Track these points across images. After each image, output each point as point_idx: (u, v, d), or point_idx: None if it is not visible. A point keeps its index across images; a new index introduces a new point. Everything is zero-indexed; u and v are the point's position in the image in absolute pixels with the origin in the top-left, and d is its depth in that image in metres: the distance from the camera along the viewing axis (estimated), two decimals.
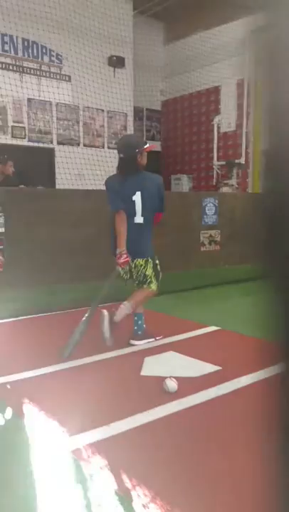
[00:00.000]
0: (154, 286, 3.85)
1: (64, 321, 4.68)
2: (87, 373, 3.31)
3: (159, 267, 3.89)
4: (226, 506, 1.88)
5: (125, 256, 3.67)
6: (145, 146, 3.76)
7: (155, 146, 4.04)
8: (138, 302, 3.83)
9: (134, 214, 3.76)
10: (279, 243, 0.56)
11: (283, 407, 0.62)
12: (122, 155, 3.75)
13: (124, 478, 2.05)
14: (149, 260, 3.82)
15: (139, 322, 3.94)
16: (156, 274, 3.85)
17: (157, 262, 3.89)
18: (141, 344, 3.88)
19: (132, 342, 3.89)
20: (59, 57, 9.82)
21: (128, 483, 2.01)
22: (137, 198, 3.73)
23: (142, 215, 3.76)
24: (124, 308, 3.68)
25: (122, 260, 3.67)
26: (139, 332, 3.95)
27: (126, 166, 3.74)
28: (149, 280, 3.84)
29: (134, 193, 3.72)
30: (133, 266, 3.81)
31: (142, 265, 3.82)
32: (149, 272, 3.82)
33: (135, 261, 3.80)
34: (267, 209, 0.58)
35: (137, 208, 3.74)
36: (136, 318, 3.93)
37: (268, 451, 2.08)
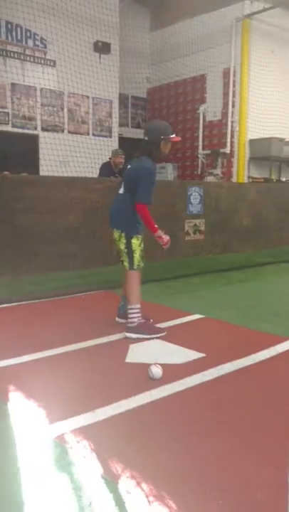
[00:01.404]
0: (126, 264, 3.89)
1: (48, 309, 4.66)
2: (72, 360, 3.31)
3: (136, 251, 3.84)
4: (212, 488, 1.91)
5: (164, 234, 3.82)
6: (171, 136, 3.78)
7: (180, 139, 4.00)
8: (133, 293, 3.86)
9: (121, 185, 3.93)
10: None
11: None
12: (146, 138, 3.81)
13: (110, 462, 2.06)
14: (123, 235, 3.83)
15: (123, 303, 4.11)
16: (128, 253, 3.83)
17: (134, 242, 3.82)
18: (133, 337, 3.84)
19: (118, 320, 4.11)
20: (44, 41, 9.67)
21: (113, 468, 2.02)
22: (127, 171, 3.91)
23: (124, 188, 3.88)
24: (132, 317, 3.83)
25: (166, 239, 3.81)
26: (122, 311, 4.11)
27: (148, 150, 3.78)
28: (122, 257, 3.91)
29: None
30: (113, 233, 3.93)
31: (116, 238, 3.88)
32: (122, 247, 3.85)
33: (113, 230, 3.90)
34: None
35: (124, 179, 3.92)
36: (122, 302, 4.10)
37: (251, 435, 2.12)
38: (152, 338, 3.72)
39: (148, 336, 3.73)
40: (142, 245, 3.90)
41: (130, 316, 3.80)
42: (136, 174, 3.76)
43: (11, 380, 2.93)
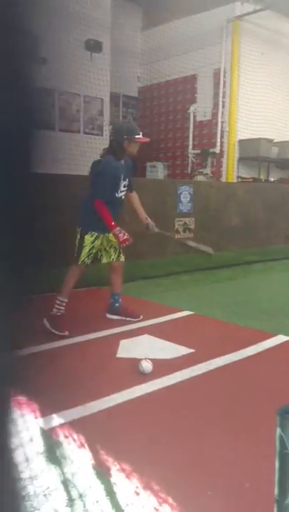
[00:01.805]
0: (110, 257, 4.10)
1: (40, 304, 4.69)
2: (64, 355, 3.37)
3: (86, 248, 3.87)
4: (200, 479, 1.98)
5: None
6: (136, 136, 3.86)
7: (147, 139, 4.08)
8: (65, 286, 3.90)
9: None
10: None
11: None
12: (111, 137, 4.03)
13: (101, 455, 2.12)
14: (78, 231, 3.91)
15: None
16: (78, 248, 3.89)
17: (87, 239, 3.86)
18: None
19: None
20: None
21: (105, 460, 2.08)
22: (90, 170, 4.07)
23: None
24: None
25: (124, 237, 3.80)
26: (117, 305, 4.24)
27: (111, 148, 3.93)
28: (101, 253, 4.07)
29: None
30: None
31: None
32: (76, 242, 3.92)
33: None
34: None
35: None
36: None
37: (238, 427, 2.21)
38: (52, 332, 3.74)
39: (50, 328, 3.77)
40: (97, 244, 3.91)
41: (55, 306, 3.84)
42: (95, 172, 3.91)
43: None
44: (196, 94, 11.72)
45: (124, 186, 3.95)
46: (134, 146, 3.89)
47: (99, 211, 3.78)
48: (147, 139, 4.06)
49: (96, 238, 3.89)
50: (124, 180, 3.93)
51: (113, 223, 3.78)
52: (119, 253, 4.10)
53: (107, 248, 4.06)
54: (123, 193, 3.98)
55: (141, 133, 3.96)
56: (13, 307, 0.63)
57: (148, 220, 4.17)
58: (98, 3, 9.98)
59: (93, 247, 3.90)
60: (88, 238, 3.86)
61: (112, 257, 4.08)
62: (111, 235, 3.92)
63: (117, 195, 3.91)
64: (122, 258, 4.14)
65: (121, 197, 3.96)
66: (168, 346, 3.55)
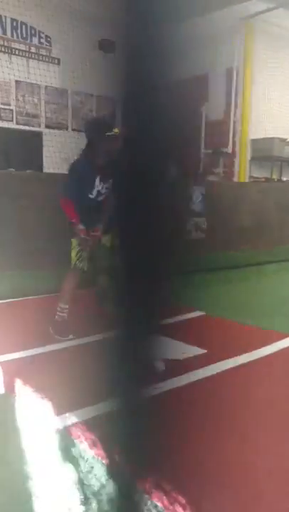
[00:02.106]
0: None
1: (53, 304, 4.72)
2: (77, 355, 3.39)
3: (73, 250, 3.77)
4: (214, 480, 1.98)
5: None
6: (107, 133, 3.56)
7: (121, 139, 3.72)
8: (63, 293, 3.84)
9: None
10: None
11: None
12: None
13: (115, 454, 2.14)
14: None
15: None
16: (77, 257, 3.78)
17: (73, 241, 3.76)
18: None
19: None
20: (48, 39, 9.71)
21: (119, 459, 2.10)
22: None
23: None
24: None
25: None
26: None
27: (86, 149, 3.74)
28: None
29: None
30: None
31: None
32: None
33: None
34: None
35: None
36: None
37: (252, 428, 2.20)
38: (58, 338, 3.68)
39: (54, 335, 3.71)
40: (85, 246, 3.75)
41: (57, 312, 3.77)
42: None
43: (19, 372, 3.01)
44: (208, 93, 11.68)
45: (105, 188, 3.69)
46: (108, 144, 3.54)
47: (62, 208, 3.64)
48: (121, 139, 3.42)
49: (83, 242, 3.74)
50: (105, 182, 3.68)
51: (74, 220, 3.61)
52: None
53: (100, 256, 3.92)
54: (103, 196, 3.73)
55: (116, 129, 3.54)
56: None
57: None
58: (111, 3, 9.99)
59: (81, 249, 3.75)
60: (74, 241, 3.74)
61: (105, 264, 3.94)
62: (104, 239, 3.81)
63: (91, 196, 3.67)
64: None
65: (98, 199, 3.72)
66: (179, 346, 3.55)
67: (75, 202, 3.63)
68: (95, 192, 3.68)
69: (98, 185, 3.68)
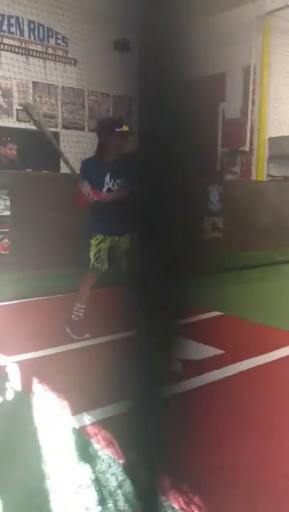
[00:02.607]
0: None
1: (69, 303, 4.74)
2: (94, 354, 3.39)
3: (91, 252, 3.76)
4: (232, 483, 1.96)
5: None
6: (117, 129, 3.62)
7: (133, 134, 3.75)
8: (79, 293, 3.84)
9: None
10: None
11: None
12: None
13: (132, 454, 2.13)
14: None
15: None
16: (87, 254, 3.78)
17: (91, 243, 3.76)
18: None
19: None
20: (65, 40, 9.76)
21: (135, 459, 2.09)
22: None
23: None
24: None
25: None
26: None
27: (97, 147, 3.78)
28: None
29: None
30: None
31: None
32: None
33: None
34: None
35: None
36: None
37: (269, 429, 2.16)
38: (75, 337, 3.68)
39: (71, 334, 3.71)
40: (104, 246, 3.75)
41: (73, 311, 3.78)
42: None
43: (36, 372, 3.02)
44: (226, 92, 11.61)
45: (116, 185, 3.70)
46: (118, 140, 3.61)
47: (77, 199, 3.69)
48: (133, 133, 3.61)
49: (102, 241, 3.75)
50: (116, 179, 3.68)
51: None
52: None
53: (118, 257, 3.93)
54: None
55: (125, 125, 3.63)
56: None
57: None
58: (127, 3, 9.99)
59: (99, 249, 3.75)
60: (93, 242, 3.75)
61: (124, 264, 3.94)
62: (122, 240, 3.80)
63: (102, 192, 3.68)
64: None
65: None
66: (196, 347, 3.53)
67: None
68: (105, 189, 3.69)
69: (109, 183, 3.69)
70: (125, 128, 3.63)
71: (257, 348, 3.47)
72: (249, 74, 10.89)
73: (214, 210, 7.78)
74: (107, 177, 3.67)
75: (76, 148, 9.51)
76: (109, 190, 3.70)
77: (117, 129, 3.60)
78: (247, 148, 11.04)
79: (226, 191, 7.91)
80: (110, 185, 3.70)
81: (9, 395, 2.75)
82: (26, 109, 3.77)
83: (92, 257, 3.76)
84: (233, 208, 8.06)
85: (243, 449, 2.20)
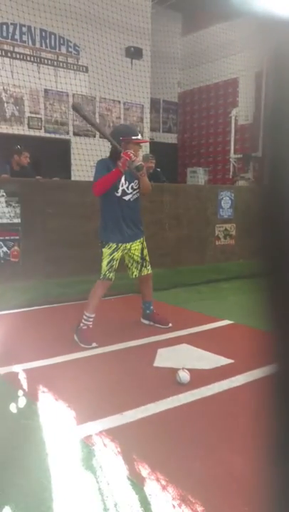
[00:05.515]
0: (134, 270, 4.04)
1: (77, 311, 4.72)
2: (101, 363, 3.35)
3: (104, 260, 3.79)
4: (238, 495, 1.90)
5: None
6: (133, 137, 3.75)
7: (146, 140, 3.97)
8: (90, 301, 3.82)
9: None
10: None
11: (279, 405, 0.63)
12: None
13: (136, 465, 2.08)
14: (100, 244, 3.87)
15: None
16: (100, 262, 3.81)
17: (104, 251, 3.81)
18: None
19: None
20: (76, 48, 9.83)
21: (140, 470, 2.04)
22: None
23: None
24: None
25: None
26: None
27: (111, 151, 3.84)
28: (129, 265, 4.05)
29: None
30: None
31: None
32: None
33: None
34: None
35: None
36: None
37: (278, 445, 2.08)
38: (83, 346, 3.65)
39: (79, 343, 3.68)
40: (116, 255, 3.78)
41: (82, 320, 3.76)
42: None
43: (42, 380, 2.99)
44: (238, 97, 11.58)
45: (131, 188, 3.81)
46: (132, 147, 3.71)
47: (97, 185, 3.67)
48: (146, 140, 4.00)
49: (115, 250, 3.77)
50: (131, 182, 3.80)
51: (113, 172, 3.61)
52: (142, 267, 3.98)
53: (129, 265, 3.99)
54: (130, 196, 3.81)
55: (140, 135, 3.89)
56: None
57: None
58: (138, 11, 10.05)
59: (112, 258, 3.77)
60: (106, 250, 3.77)
61: (135, 273, 4.00)
62: (133, 247, 3.88)
63: (116, 194, 3.75)
64: (147, 271, 4.01)
65: (125, 199, 3.80)
66: (206, 356, 3.47)
67: (107, 203, 3.78)
68: (120, 191, 3.77)
69: (124, 184, 3.78)
70: (136, 137, 3.80)
71: (267, 358, 3.38)
72: (261, 79, 10.84)
73: (226, 217, 7.72)
74: (122, 179, 3.76)
75: (87, 156, 9.54)
76: (124, 192, 3.79)
77: (134, 138, 3.76)
78: (260, 153, 10.96)
79: (238, 197, 7.84)
80: (125, 187, 3.80)
81: (17, 403, 2.71)
82: (74, 108, 3.89)
83: (105, 265, 3.78)
84: (245, 214, 7.97)
85: (251, 459, 2.13)
